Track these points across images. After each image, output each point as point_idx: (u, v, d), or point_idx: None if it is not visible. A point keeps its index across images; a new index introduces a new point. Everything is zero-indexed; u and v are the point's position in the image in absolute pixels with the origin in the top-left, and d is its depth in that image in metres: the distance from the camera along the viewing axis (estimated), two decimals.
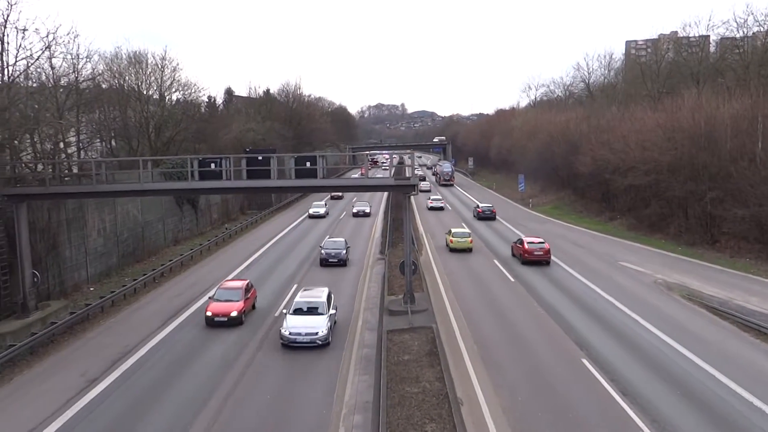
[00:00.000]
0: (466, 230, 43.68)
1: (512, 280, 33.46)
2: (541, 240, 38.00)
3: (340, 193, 69.55)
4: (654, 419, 16.80)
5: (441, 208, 65.31)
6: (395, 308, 26.49)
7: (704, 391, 18.61)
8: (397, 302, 27.29)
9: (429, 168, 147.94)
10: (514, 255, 39.06)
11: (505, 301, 29.09)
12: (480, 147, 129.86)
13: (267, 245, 45.14)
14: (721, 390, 18.70)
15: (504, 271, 35.59)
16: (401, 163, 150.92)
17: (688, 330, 24.49)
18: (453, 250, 41.39)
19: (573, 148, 67.24)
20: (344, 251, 37.18)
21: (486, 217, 57.38)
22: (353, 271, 35.99)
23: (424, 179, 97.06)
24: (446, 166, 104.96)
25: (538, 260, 36.67)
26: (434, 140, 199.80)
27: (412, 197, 28.41)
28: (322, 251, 37.30)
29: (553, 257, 39.25)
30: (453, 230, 42.82)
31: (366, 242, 46.14)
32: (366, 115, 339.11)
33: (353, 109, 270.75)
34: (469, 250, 41.39)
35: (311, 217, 58.74)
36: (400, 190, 27.44)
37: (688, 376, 19.72)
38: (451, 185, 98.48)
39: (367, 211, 59.63)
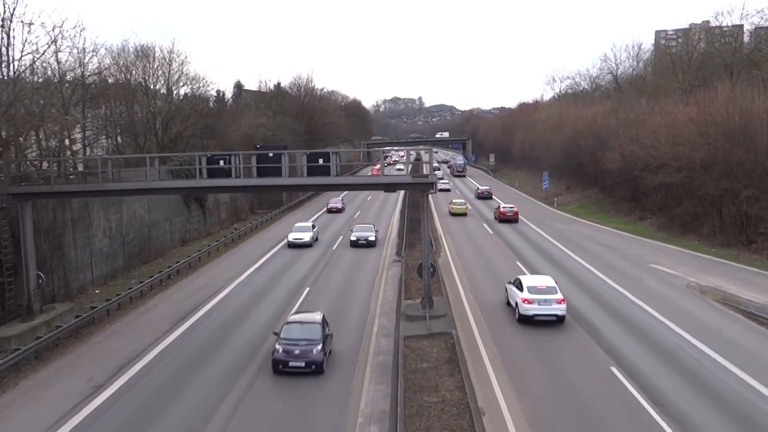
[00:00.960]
0: (463, 200, 64.80)
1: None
2: (512, 206, 58.26)
3: (339, 205, 64.36)
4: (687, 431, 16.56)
5: (448, 190, 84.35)
6: (413, 313, 26.23)
7: (743, 404, 18.31)
8: (415, 307, 27.10)
9: (445, 162, 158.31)
10: (496, 218, 57.53)
11: None
12: (502, 142, 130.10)
13: (278, 246, 45.12)
14: (762, 402, 18.38)
15: (522, 267, 35.60)
16: (418, 159, 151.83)
17: (724, 336, 24.17)
18: (453, 215, 60.58)
19: (600, 143, 66.67)
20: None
21: (484, 197, 77.01)
22: (368, 273, 35.89)
23: (442, 178, 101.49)
24: (459, 159, 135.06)
25: (509, 219, 55.90)
26: (437, 136, 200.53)
27: (430, 196, 28.02)
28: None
29: (579, 259, 39.01)
30: (453, 200, 63.87)
31: (382, 243, 45.97)
32: (381, 110, 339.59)
33: (368, 103, 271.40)
34: (464, 214, 61.01)
35: (291, 245, 43.74)
36: (418, 188, 27.13)
37: (725, 386, 19.44)
38: (464, 176, 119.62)
39: (372, 238, 43.65)
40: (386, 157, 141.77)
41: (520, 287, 26.22)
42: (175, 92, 56.87)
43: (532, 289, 25.49)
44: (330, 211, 63.76)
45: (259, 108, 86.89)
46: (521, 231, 51.24)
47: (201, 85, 60.44)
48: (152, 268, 37.91)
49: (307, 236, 44.31)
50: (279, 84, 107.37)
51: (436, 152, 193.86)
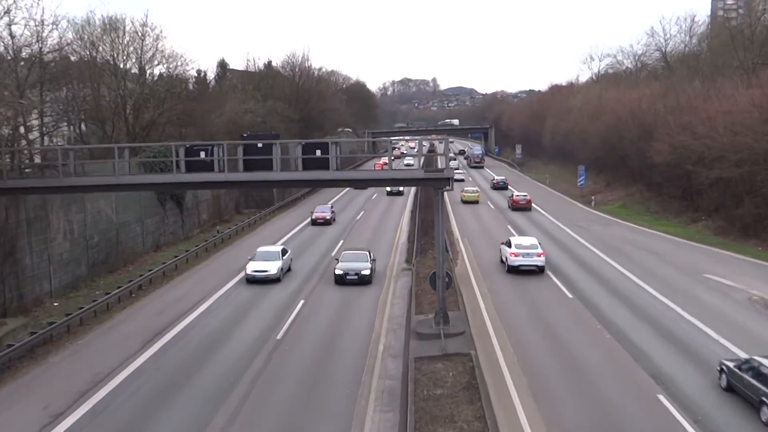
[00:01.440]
0: (476, 188, 74.46)
1: (570, 296, 33.36)
2: (525, 194, 66.95)
3: (328, 215, 57.77)
4: None
5: (462, 180, 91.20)
6: (425, 330, 26.27)
7: None
8: (427, 323, 27.10)
9: (461, 153, 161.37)
10: (509, 206, 65.76)
11: (556, 317, 28.89)
12: (530, 131, 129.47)
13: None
14: None
15: (562, 288, 35.35)
16: (432, 151, 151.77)
17: None
18: (465, 202, 69.71)
19: (646, 132, 66.40)
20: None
21: (500, 187, 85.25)
22: (373, 283, 35.87)
23: (457, 168, 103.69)
24: (477, 149, 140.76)
25: (522, 207, 64.70)
26: (440, 123, 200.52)
27: (446, 193, 28.11)
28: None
29: (621, 268, 38.89)
30: (465, 188, 72.84)
31: (389, 249, 45.96)
32: (389, 93, 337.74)
33: (374, 86, 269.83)
34: (476, 202, 70.41)
35: (250, 280, 36.58)
36: (431, 185, 27.07)
37: None
38: (481, 167, 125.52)
39: (366, 271, 35.82)
40: (394, 148, 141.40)
41: (509, 245, 38.81)
42: (148, 72, 57.02)
43: (519, 246, 38.22)
44: (315, 222, 57.51)
45: (247, 91, 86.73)
46: (553, 235, 51.10)
47: (179, 64, 60.34)
48: (120, 278, 37.81)
49: (273, 267, 36.54)
50: (270, 63, 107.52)
51: (451, 143, 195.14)
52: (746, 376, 19.87)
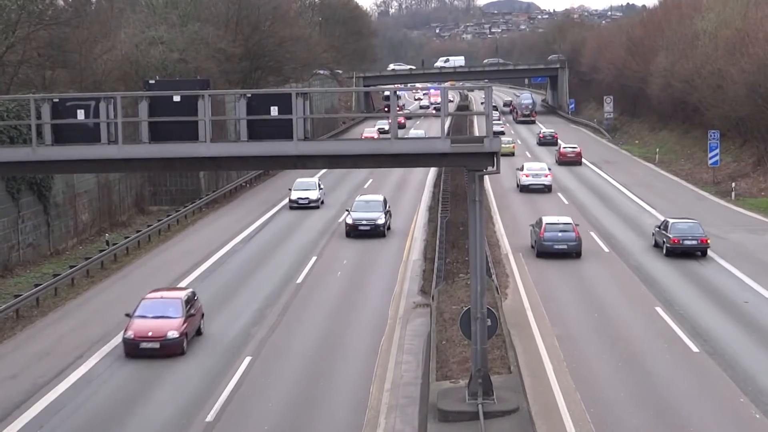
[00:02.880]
0: (509, 138, 71.21)
1: (695, 349, 25.81)
2: (574, 145, 66.18)
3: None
4: None
5: (502, 132, 79.33)
6: (452, 407, 20.99)
7: None
8: (457, 395, 21.59)
9: (507, 106, 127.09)
10: (556, 161, 63.48)
11: (681, 391, 22.11)
12: (627, 76, 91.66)
13: (192, 275, 34.37)
14: None
15: (685, 340, 26.76)
16: (465, 107, 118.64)
17: None
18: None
19: None
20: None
21: (547, 142, 78.44)
22: (368, 327, 27.63)
23: (498, 119, 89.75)
24: (525, 97, 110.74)
25: (571, 161, 63.28)
26: (437, 64, 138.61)
27: (485, 177, 23.15)
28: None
29: None
30: (504, 139, 63.50)
31: (392, 271, 35.45)
32: (393, 13, 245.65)
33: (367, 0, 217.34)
34: (511, 154, 66.64)
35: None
36: (463, 164, 21.54)
37: None
38: (533, 122, 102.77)
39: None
40: (402, 106, 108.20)
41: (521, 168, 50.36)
42: None
43: (529, 169, 50.49)
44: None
45: (154, 8, 69.39)
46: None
47: None
48: None
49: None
50: None
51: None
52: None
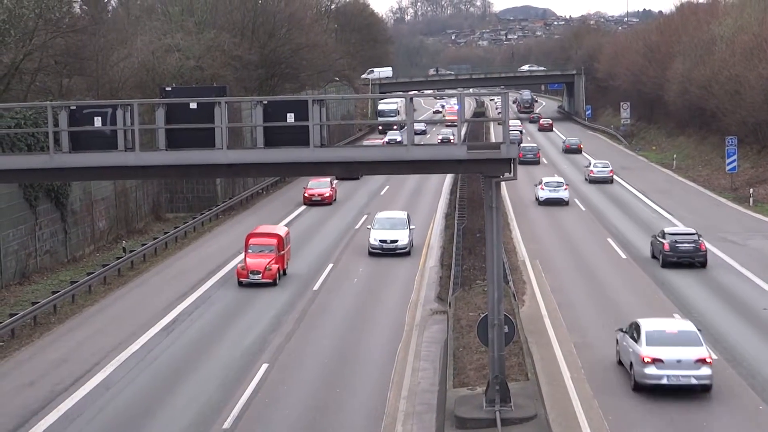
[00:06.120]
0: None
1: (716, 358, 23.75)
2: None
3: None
4: None
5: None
6: (469, 414, 21.08)
7: None
8: (474, 401, 21.68)
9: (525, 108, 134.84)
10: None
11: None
12: (644, 82, 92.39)
13: (209, 283, 34.10)
14: None
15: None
16: (481, 114, 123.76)
17: None
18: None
19: None
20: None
21: (572, 150, 79.90)
22: (384, 334, 27.64)
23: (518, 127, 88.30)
24: (526, 94, 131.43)
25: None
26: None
27: (503, 185, 23.46)
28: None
29: None
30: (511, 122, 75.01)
31: (409, 278, 35.24)
32: (409, 19, 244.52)
33: (382, 7, 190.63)
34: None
35: None
36: (480, 171, 21.86)
37: None
38: (530, 111, 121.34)
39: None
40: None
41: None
42: None
43: (547, 183, 51.67)
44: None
45: (171, 15, 66.78)
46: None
47: None
48: None
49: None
50: None
51: (514, 101, 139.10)
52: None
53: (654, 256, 35.54)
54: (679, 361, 20.98)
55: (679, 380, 20.99)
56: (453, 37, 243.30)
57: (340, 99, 60.84)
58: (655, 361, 21.10)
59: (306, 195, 51.26)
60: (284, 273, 33.13)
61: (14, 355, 26.18)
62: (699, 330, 22.53)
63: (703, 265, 33.75)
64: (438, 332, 27.73)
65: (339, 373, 24.13)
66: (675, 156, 71.71)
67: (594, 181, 60.87)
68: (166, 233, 42.56)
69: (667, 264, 33.89)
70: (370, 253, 37.12)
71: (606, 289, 32.53)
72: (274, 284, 31.40)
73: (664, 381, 21.12)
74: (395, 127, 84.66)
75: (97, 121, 21.04)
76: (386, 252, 36.95)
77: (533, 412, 20.52)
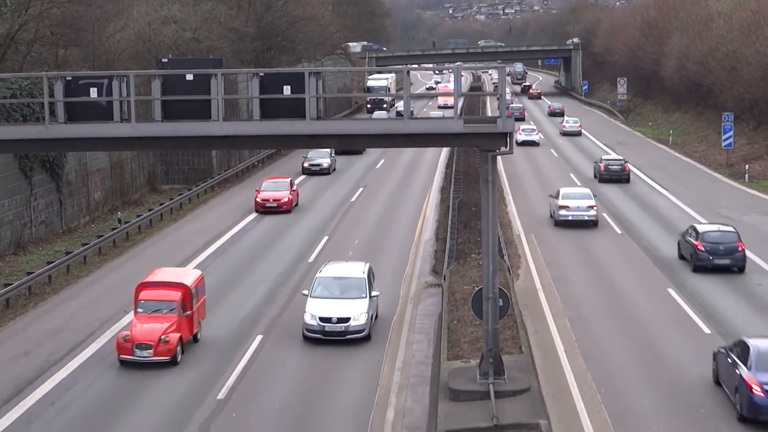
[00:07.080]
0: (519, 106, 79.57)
1: (707, 331, 25.53)
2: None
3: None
4: None
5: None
6: (463, 386, 21.21)
7: None
8: (468, 374, 21.82)
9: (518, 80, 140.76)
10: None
11: (685, 366, 22.16)
12: (641, 58, 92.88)
13: (207, 252, 34.37)
14: None
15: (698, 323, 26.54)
16: (477, 88, 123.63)
17: None
18: None
19: None
20: None
21: (532, 95, 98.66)
22: (379, 306, 27.04)
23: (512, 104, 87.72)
24: (518, 66, 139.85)
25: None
26: (482, 44, 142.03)
27: (500, 159, 22.72)
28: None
29: None
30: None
31: (404, 250, 35.28)
32: None
33: None
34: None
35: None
36: (476, 145, 21.61)
37: None
38: (521, 83, 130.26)
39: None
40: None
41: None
42: None
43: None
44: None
45: None
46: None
47: None
48: None
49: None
50: None
51: (486, 72, 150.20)
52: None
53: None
54: None
55: None
56: (450, 11, 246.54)
57: (336, 71, 59.93)
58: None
59: (258, 200, 41.65)
60: (196, 338, 23.11)
61: (9, 325, 26.24)
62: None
63: (627, 181, 47.61)
64: (432, 305, 27.85)
65: (334, 345, 24.10)
66: (671, 132, 71.76)
67: (565, 134, 72.19)
68: (161, 204, 42.57)
69: (604, 180, 47.76)
70: (305, 337, 23.22)
71: (600, 263, 32.76)
72: (173, 362, 21.45)
73: None
74: (384, 106, 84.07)
75: (93, 92, 21.05)
76: (328, 338, 23.00)
77: (527, 385, 20.70)
